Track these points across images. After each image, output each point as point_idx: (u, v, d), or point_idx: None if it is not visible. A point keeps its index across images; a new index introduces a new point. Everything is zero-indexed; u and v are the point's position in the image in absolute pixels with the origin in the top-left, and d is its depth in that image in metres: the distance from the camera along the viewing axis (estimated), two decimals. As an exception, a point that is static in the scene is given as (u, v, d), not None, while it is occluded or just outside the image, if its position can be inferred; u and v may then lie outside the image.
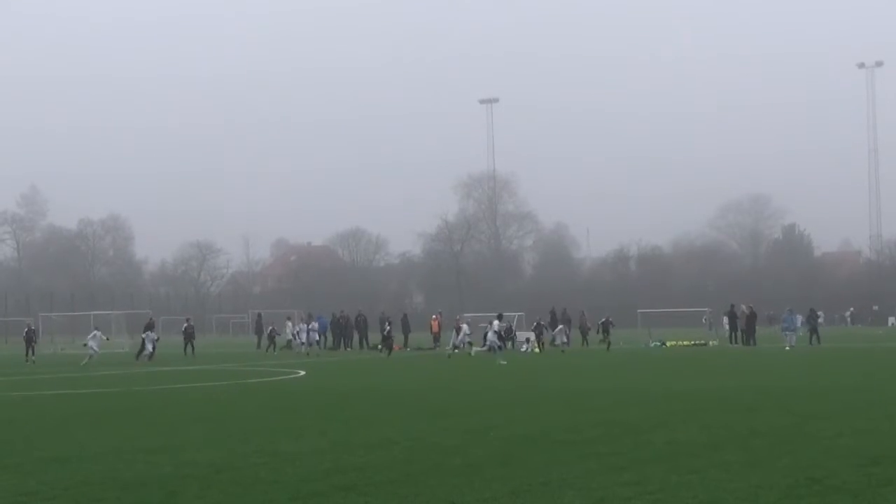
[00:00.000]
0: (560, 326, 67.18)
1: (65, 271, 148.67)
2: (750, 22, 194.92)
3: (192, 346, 61.23)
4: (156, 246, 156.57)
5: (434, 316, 73.66)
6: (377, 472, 15.77)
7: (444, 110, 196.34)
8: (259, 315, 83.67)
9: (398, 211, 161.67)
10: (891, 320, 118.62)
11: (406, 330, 71.08)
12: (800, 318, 66.48)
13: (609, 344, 60.90)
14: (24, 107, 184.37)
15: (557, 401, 27.49)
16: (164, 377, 41.69)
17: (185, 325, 64.63)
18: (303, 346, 61.43)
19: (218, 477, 15.80)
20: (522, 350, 62.82)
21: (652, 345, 65.94)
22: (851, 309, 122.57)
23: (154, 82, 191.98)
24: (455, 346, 56.54)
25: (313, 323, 63.47)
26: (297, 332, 64.63)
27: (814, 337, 62.41)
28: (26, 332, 59.93)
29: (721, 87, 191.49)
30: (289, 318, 78.93)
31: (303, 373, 42.38)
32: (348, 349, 68.95)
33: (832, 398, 26.39)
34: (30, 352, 57.28)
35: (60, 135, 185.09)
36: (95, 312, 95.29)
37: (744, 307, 65.22)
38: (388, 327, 59.89)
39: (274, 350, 66.47)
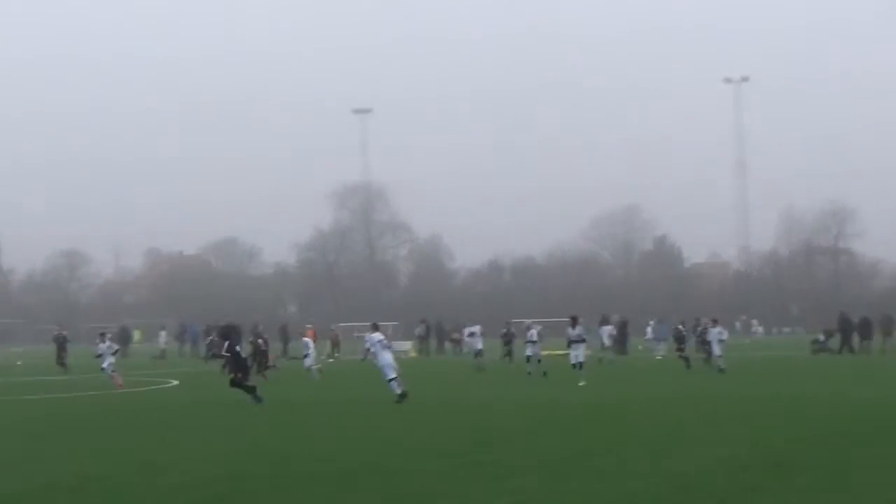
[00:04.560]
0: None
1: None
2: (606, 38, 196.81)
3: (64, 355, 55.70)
4: (24, 255, 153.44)
5: (308, 326, 73.31)
6: (251, 482, 15.68)
7: (320, 119, 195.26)
8: (123, 325, 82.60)
9: (273, 220, 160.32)
10: (758, 330, 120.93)
11: (285, 342, 70.27)
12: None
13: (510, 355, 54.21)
14: None
15: (436, 411, 27.56)
16: (31, 387, 40.83)
17: (57, 333, 58.21)
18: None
19: (88, 488, 15.56)
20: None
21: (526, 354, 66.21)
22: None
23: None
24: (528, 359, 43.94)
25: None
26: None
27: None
28: None
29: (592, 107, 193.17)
30: (163, 328, 78.19)
31: (176, 382, 41.89)
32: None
33: (705, 407, 26.80)
34: None
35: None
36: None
37: (617, 317, 65.94)
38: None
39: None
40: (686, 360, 47.17)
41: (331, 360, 63.06)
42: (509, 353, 53.95)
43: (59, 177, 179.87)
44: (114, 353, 39.94)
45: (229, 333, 32.05)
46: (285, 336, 70.65)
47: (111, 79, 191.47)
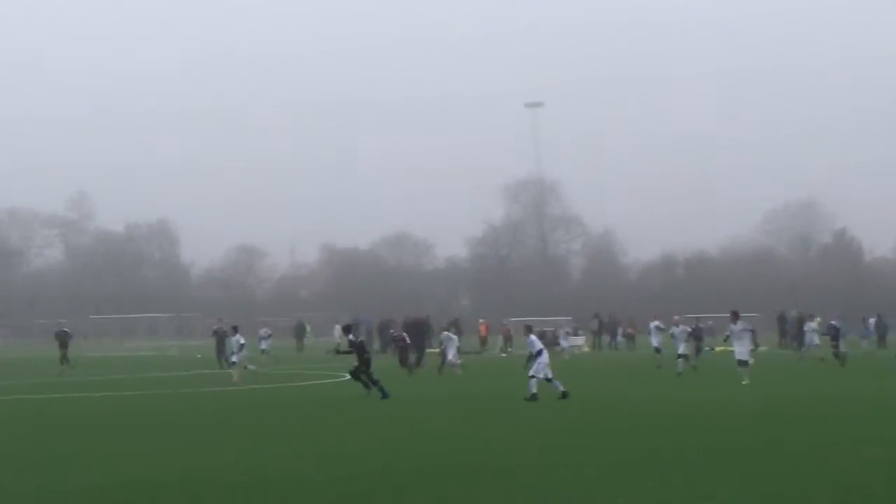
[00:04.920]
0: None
1: (113, 274, 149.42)
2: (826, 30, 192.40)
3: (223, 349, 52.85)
4: (202, 250, 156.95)
5: (482, 321, 73.64)
6: (405, 477, 15.62)
7: (489, 114, 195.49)
8: (300, 320, 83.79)
9: (445, 215, 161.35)
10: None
11: (458, 335, 70.15)
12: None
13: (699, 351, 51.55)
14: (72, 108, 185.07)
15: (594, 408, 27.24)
16: (208, 380, 41.52)
17: (216, 326, 56.25)
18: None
19: (249, 478, 15.68)
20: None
21: (704, 349, 65.21)
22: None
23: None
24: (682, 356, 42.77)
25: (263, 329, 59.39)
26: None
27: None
28: (59, 335, 51.93)
29: (772, 98, 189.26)
30: (337, 323, 79.07)
31: (348, 376, 42.10)
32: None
33: (870, 405, 26.03)
34: (64, 355, 50.01)
35: (106, 135, 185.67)
36: (144, 315, 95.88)
37: (794, 313, 64.38)
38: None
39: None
40: (838, 356, 46.01)
41: (503, 354, 63.01)
42: (698, 350, 53.11)
43: (238, 173, 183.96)
44: (240, 348, 39.54)
45: (351, 328, 32.22)
46: (458, 330, 70.75)
47: (290, 76, 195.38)
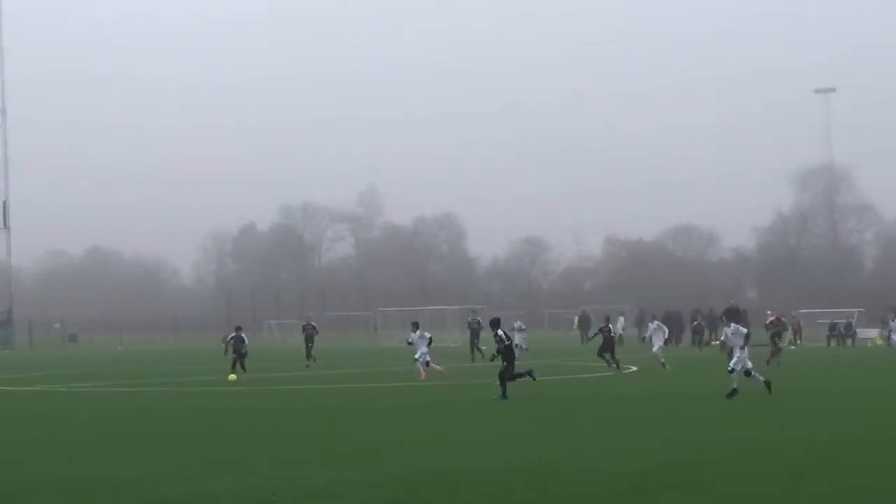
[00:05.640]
0: None
1: (401, 268, 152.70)
2: None
3: (477, 343, 53.49)
4: (487, 242, 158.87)
5: (769, 311, 71.84)
6: (707, 471, 15.27)
7: (775, 100, 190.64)
8: (583, 310, 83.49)
9: (731, 203, 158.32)
10: None
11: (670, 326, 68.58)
12: None
13: None
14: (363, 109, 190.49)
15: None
16: (470, 372, 41.78)
17: (471, 318, 55.96)
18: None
19: (538, 470, 15.62)
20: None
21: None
22: None
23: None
24: None
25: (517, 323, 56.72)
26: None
27: None
28: (306, 328, 51.34)
29: None
30: (621, 314, 78.72)
31: (634, 368, 41.80)
32: (679, 345, 67.74)
33: None
34: (310, 349, 49.53)
35: (396, 132, 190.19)
36: (430, 308, 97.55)
37: None
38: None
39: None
40: None
41: (792, 346, 61.43)
42: None
43: (522, 166, 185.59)
44: (428, 344, 38.47)
45: (499, 322, 29.89)
46: (673, 322, 69.17)
47: (565, 69, 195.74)
